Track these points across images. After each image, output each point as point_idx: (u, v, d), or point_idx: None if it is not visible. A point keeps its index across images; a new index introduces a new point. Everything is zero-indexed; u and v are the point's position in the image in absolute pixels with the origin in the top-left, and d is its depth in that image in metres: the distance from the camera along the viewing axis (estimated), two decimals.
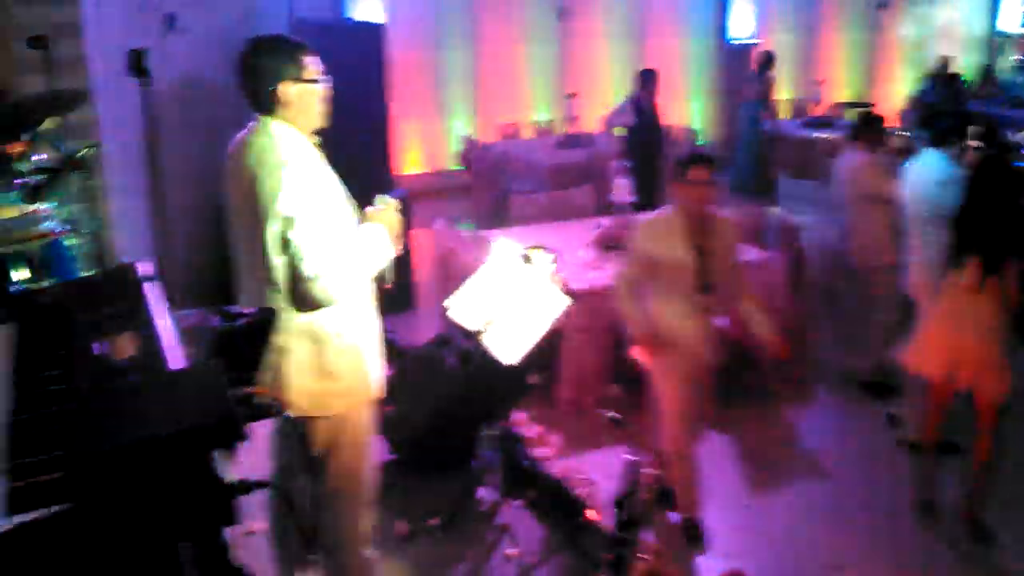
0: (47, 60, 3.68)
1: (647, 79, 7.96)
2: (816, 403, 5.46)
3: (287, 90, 2.73)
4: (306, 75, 2.76)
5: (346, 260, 2.71)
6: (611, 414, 3.40)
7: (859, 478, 4.53)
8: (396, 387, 4.28)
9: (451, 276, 5.66)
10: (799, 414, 5.30)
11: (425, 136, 10.49)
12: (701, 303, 3.75)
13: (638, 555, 3.08)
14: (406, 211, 3.17)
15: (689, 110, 11.67)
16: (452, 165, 10.22)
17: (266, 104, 2.75)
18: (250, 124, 2.83)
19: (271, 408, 1.65)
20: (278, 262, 2.68)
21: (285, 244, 2.64)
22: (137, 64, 2.31)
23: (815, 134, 9.83)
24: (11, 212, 2.93)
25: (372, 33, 7.33)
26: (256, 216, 2.67)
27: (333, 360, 2.82)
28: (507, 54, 10.61)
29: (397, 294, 3.04)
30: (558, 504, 3.95)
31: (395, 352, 5.19)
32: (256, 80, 2.73)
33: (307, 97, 2.77)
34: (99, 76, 5.74)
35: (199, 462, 1.49)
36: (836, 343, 5.70)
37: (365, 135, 6.29)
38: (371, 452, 3.04)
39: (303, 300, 2.69)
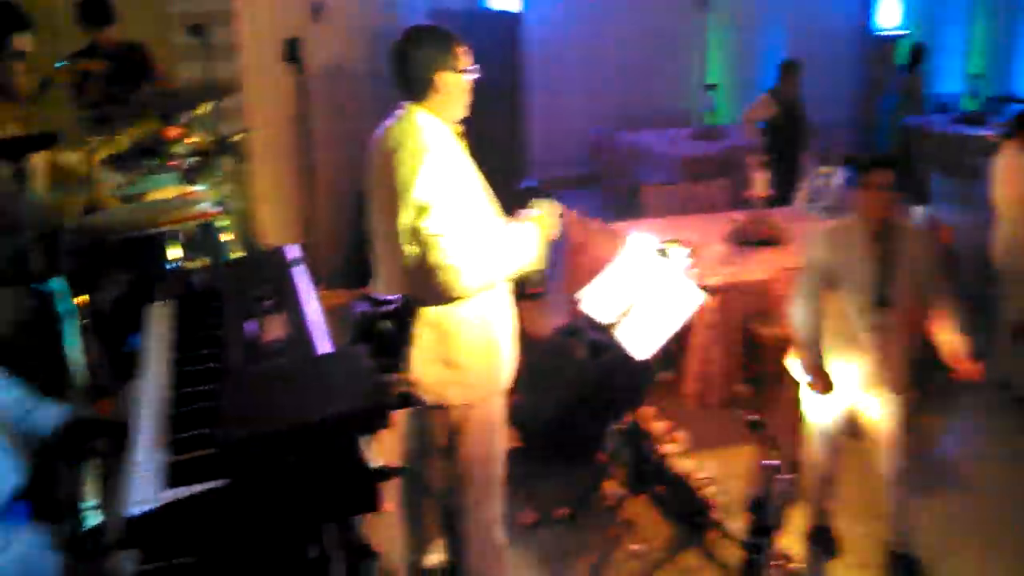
0: (206, 47, 3.81)
1: (789, 71, 7.70)
2: (963, 413, 5.19)
3: (441, 79, 2.76)
4: (460, 65, 2.78)
5: (483, 253, 2.71)
6: (749, 416, 3.30)
7: (1007, 494, 4.30)
8: (524, 376, 4.31)
9: (580, 266, 5.64)
10: (945, 425, 5.06)
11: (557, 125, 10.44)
12: (878, 318, 3.47)
13: (771, 562, 3.00)
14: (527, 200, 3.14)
15: (832, 103, 11.27)
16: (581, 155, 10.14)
17: (419, 92, 2.79)
18: (395, 112, 2.87)
19: (412, 397, 1.66)
20: (410, 250, 2.70)
21: (417, 232, 2.66)
22: (291, 52, 2.35)
23: (967, 131, 9.33)
24: (169, 193, 3.06)
25: (509, 21, 7.37)
26: (393, 203, 2.71)
27: (458, 351, 2.82)
28: (643, 42, 10.45)
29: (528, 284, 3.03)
30: (684, 502, 3.90)
31: (523, 341, 5.22)
32: (412, 68, 2.77)
33: (458, 87, 2.80)
34: (250, 63, 5.97)
35: (346, 447, 1.52)
36: (990, 352, 5.40)
37: (502, 124, 6.35)
38: (500, 441, 3.05)
39: (433, 290, 2.68)
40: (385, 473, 1.56)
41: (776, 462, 3.16)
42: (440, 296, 2.69)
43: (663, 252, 3.79)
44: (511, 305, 2.98)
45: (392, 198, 2.71)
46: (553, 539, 3.89)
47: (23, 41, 3.02)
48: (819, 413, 3.65)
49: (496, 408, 3.00)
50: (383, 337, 1.97)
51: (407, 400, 1.66)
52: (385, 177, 2.74)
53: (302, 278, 2.24)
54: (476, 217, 2.76)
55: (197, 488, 1.50)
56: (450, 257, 2.63)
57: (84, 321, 2.77)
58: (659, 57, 10.56)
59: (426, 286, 2.69)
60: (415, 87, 2.80)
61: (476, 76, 2.85)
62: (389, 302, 2.01)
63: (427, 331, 2.78)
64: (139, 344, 2.64)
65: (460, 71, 2.80)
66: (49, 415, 2.13)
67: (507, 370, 2.98)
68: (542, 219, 2.88)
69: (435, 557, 3.31)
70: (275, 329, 2.01)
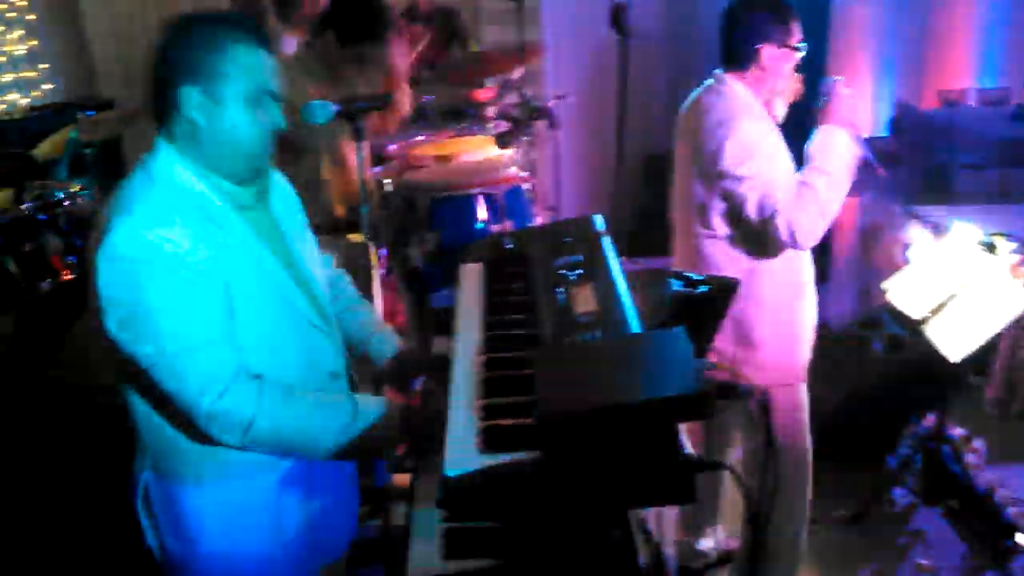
0: (518, 12, 3.88)
1: None
2: None
3: (767, 52, 2.65)
4: (791, 41, 2.65)
5: (806, 191, 2.57)
6: None
7: None
8: (812, 364, 4.09)
9: (874, 252, 5.29)
10: None
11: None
12: None
13: None
14: None
15: None
16: (880, 131, 9.45)
17: (741, 60, 2.68)
18: (707, 82, 2.78)
19: (737, 387, 1.58)
20: (723, 217, 2.64)
21: (732, 195, 2.60)
22: (617, 18, 2.31)
23: None
24: (479, 155, 3.14)
25: None
26: (698, 175, 2.64)
27: (757, 330, 2.72)
28: (959, 13, 9.53)
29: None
30: (985, 520, 3.56)
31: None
32: (740, 32, 2.67)
33: (782, 63, 2.68)
34: (550, 27, 6.03)
35: (666, 433, 1.46)
36: None
37: (806, 95, 6.02)
38: (804, 433, 2.91)
39: (765, 243, 2.63)
40: (704, 464, 1.50)
41: None
42: (775, 246, 2.63)
43: (990, 247, 3.44)
44: (812, 289, 2.83)
45: (697, 170, 2.64)
46: (831, 542, 3.68)
47: None
48: None
49: (799, 397, 2.86)
50: (694, 319, 1.89)
51: (731, 390, 1.58)
52: (692, 148, 2.69)
53: (610, 250, 2.20)
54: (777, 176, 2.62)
55: (512, 457, 1.49)
56: (772, 206, 2.54)
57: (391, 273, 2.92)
58: (975, 26, 9.60)
59: (756, 242, 2.64)
60: (736, 56, 2.69)
61: (802, 54, 2.69)
62: (704, 282, 1.93)
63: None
64: (446, 301, 2.75)
65: (790, 47, 2.66)
66: (383, 343, 2.24)
67: (806, 355, 2.84)
68: (839, 108, 2.66)
69: (709, 541, 3.24)
70: (584, 300, 1.98)
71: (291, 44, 3.83)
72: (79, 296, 3.48)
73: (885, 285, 3.45)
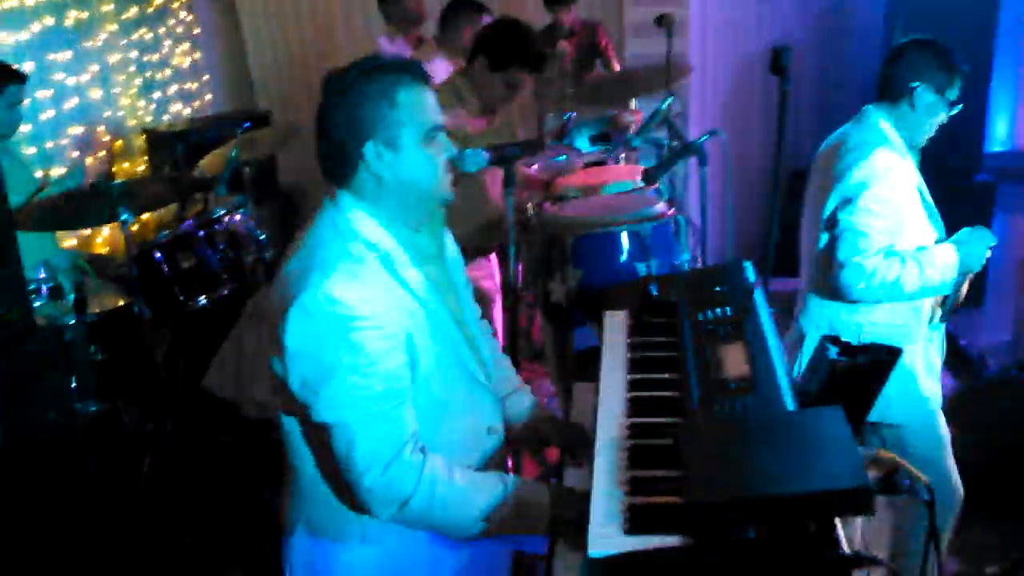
0: (667, 32, 3.83)
1: None
2: None
3: (922, 92, 2.65)
4: (947, 93, 2.65)
5: (893, 264, 2.56)
6: None
7: None
8: (965, 406, 3.87)
9: None
10: None
11: None
12: None
13: None
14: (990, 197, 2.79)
15: None
16: None
17: (893, 95, 2.69)
18: (856, 116, 2.75)
19: (898, 483, 1.49)
20: (822, 240, 2.65)
21: (834, 223, 2.61)
22: (778, 62, 2.23)
23: None
24: (624, 187, 3.09)
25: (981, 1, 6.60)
26: (823, 198, 2.65)
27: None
28: None
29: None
30: None
31: (965, 362, 4.72)
32: (901, 67, 2.69)
33: (931, 111, 2.68)
34: (697, 42, 5.92)
35: (823, 528, 1.40)
36: None
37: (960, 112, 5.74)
38: (950, 467, 2.83)
39: (830, 284, 2.65)
40: (860, 560, 1.43)
41: None
42: (835, 292, 2.64)
43: None
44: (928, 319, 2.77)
45: (824, 194, 2.65)
46: None
47: None
48: None
49: (937, 428, 2.81)
50: (856, 390, 1.81)
51: (894, 485, 1.49)
52: (823, 178, 2.64)
53: (763, 305, 2.13)
54: (900, 227, 2.62)
55: (659, 541, 1.46)
56: (858, 256, 2.55)
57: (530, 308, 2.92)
58: None
59: (826, 278, 2.65)
60: (890, 89, 2.70)
61: (950, 113, 2.69)
62: (864, 351, 1.84)
63: (817, 335, 2.60)
64: (588, 340, 2.73)
65: (945, 98, 2.65)
66: (520, 404, 2.23)
67: (931, 386, 2.78)
68: (972, 248, 2.67)
69: None
70: (735, 361, 1.92)
71: (442, 69, 3.89)
72: (233, 312, 3.63)
73: None
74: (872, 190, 2.55)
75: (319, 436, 1.82)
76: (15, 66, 3.69)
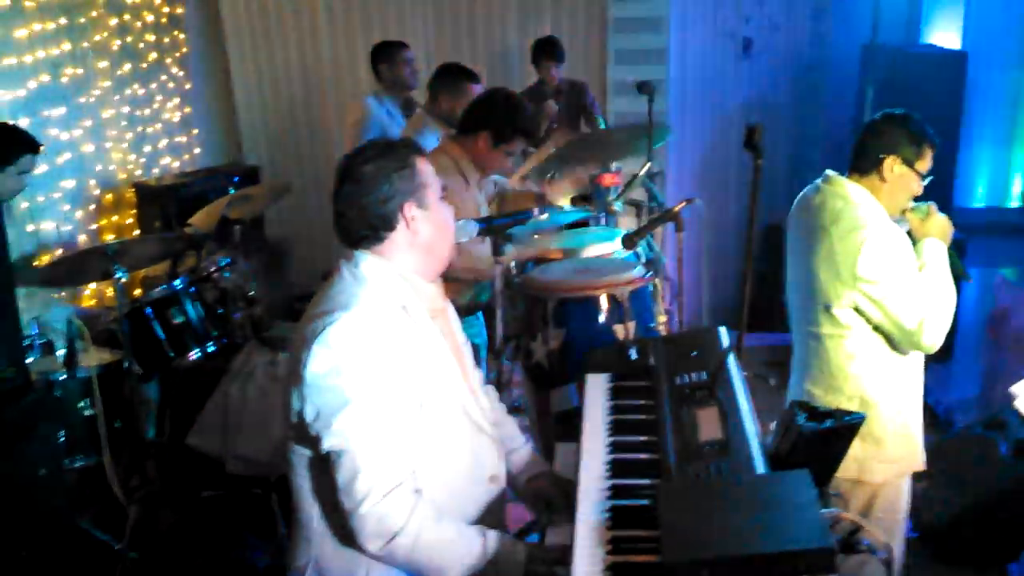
0: (649, 98, 3.98)
1: None
2: None
3: (892, 165, 2.73)
4: (918, 165, 2.74)
5: (933, 298, 2.67)
6: None
7: None
8: (934, 462, 3.97)
9: (1003, 337, 5.11)
10: None
11: (991, 167, 9.49)
12: None
13: None
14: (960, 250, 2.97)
15: None
16: (1019, 202, 9.11)
17: (863, 167, 2.77)
18: (819, 182, 2.83)
19: (859, 543, 1.58)
20: (875, 317, 2.68)
21: (875, 304, 2.66)
22: (751, 139, 2.36)
23: None
24: (605, 249, 3.21)
25: (951, 62, 6.86)
26: (819, 275, 2.69)
27: (881, 425, 2.74)
28: None
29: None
30: None
31: (936, 420, 4.83)
32: (872, 139, 2.77)
33: (904, 184, 2.76)
34: (676, 101, 6.11)
35: None
36: None
37: (935, 172, 5.92)
38: (903, 527, 2.92)
39: (909, 349, 2.72)
40: None
41: None
42: (917, 347, 2.71)
43: None
44: (921, 373, 2.86)
45: (819, 271, 2.70)
46: None
47: None
48: None
49: (905, 488, 2.89)
50: (822, 453, 1.91)
51: (855, 545, 1.59)
52: (818, 246, 2.71)
53: (735, 370, 2.23)
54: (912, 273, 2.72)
55: None
56: (916, 315, 2.63)
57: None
58: None
59: (902, 346, 2.72)
60: (862, 160, 2.78)
61: (926, 183, 2.78)
62: (831, 415, 1.94)
63: (849, 405, 2.70)
64: (569, 399, 2.82)
65: (915, 170, 2.74)
66: (524, 460, 2.40)
67: (920, 446, 2.88)
68: (931, 225, 2.80)
69: None
70: (709, 425, 2.02)
71: (432, 140, 4.04)
72: (221, 368, 3.69)
73: (1015, 389, 3.36)
74: (884, 265, 2.64)
75: (325, 468, 1.96)
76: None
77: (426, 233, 2.09)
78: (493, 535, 2.01)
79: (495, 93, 3.62)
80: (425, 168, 2.11)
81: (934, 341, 2.67)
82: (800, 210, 2.89)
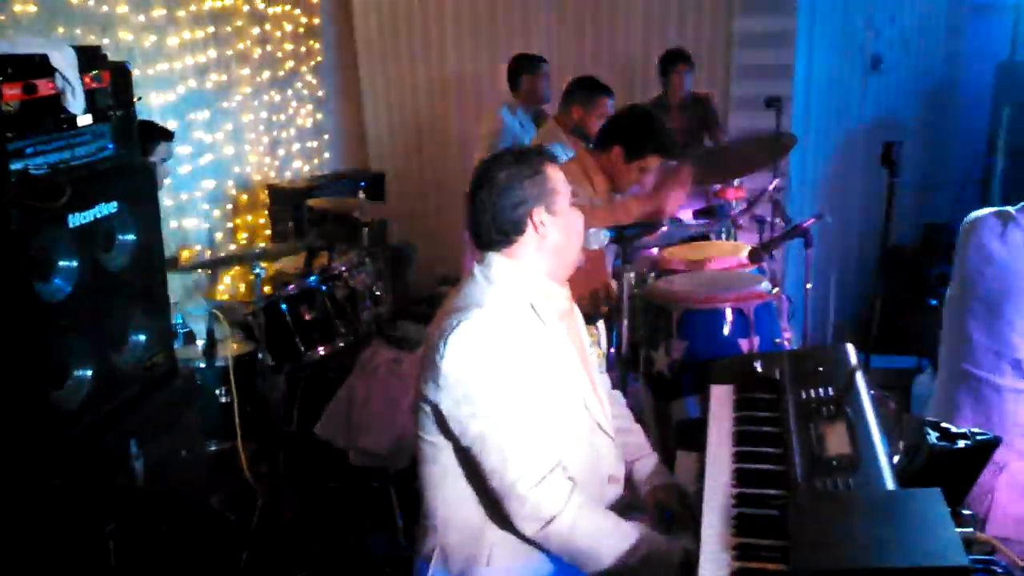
0: (776, 114, 3.97)
1: None
2: None
3: None
4: None
5: None
6: None
7: None
8: None
9: None
10: None
11: None
12: None
13: None
14: None
15: None
16: None
17: None
18: (1011, 209, 2.64)
19: (994, 564, 1.56)
20: None
21: None
22: (888, 156, 2.35)
23: None
24: (733, 261, 3.21)
25: None
26: (998, 319, 2.55)
27: None
28: None
29: None
30: None
31: None
32: None
33: None
34: (800, 117, 6.02)
35: None
36: None
37: None
38: None
39: None
40: None
41: None
42: None
43: None
44: None
45: (985, 296, 2.57)
46: None
47: None
48: None
49: None
50: (954, 474, 1.89)
51: (990, 565, 1.57)
52: (1000, 291, 2.54)
53: (864, 387, 2.22)
54: None
55: None
56: None
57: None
58: None
59: None
60: None
61: None
62: (964, 437, 1.92)
63: (1013, 455, 2.52)
64: (689, 411, 2.84)
65: None
66: (648, 470, 2.45)
67: None
68: None
69: None
70: (837, 440, 2.02)
71: (560, 149, 4.12)
72: (347, 364, 3.84)
73: None
74: None
75: (464, 457, 2.06)
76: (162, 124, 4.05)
77: (554, 238, 2.17)
78: (650, 533, 2.08)
79: (633, 109, 3.68)
80: (555, 175, 2.19)
81: None
82: (975, 238, 2.64)
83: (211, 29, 5.26)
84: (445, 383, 2.03)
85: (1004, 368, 2.55)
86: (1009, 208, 2.62)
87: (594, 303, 3.46)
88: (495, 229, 2.16)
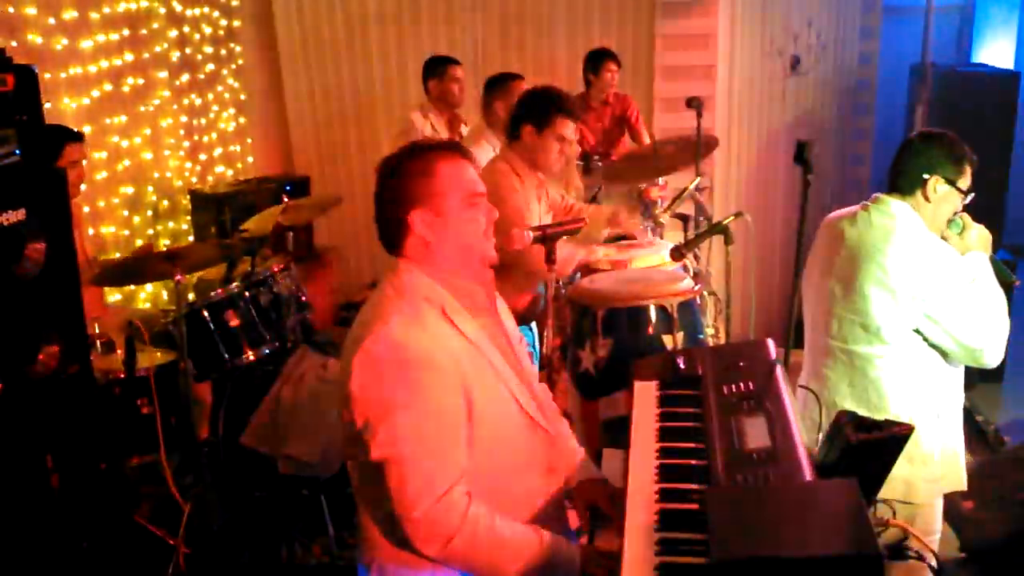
0: (697, 113, 4.03)
1: None
2: None
3: (936, 185, 2.72)
4: (960, 183, 2.73)
5: (989, 311, 2.69)
6: None
7: None
8: (983, 482, 3.95)
9: None
10: None
11: None
12: None
13: None
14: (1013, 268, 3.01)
15: None
16: None
17: (906, 187, 2.76)
18: (855, 207, 2.82)
19: (906, 550, 1.61)
20: (934, 336, 2.68)
21: (934, 323, 2.66)
22: (801, 154, 2.40)
23: None
24: (654, 260, 3.25)
25: (1003, 81, 6.78)
26: (868, 295, 2.68)
27: (928, 444, 2.72)
28: None
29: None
30: None
31: (986, 441, 4.80)
32: (912, 160, 2.77)
33: (946, 202, 2.76)
34: (725, 117, 6.13)
35: None
36: None
37: (985, 194, 5.85)
38: (936, 547, 2.90)
39: (972, 364, 2.74)
40: None
41: None
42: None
43: None
44: (961, 388, 2.86)
45: (854, 288, 2.70)
46: None
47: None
48: None
49: (940, 509, 2.88)
50: (869, 464, 1.93)
51: (902, 551, 1.61)
52: (846, 268, 2.71)
53: (783, 381, 2.26)
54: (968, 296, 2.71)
55: None
56: (975, 334, 2.65)
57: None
58: None
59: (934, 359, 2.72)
60: (903, 180, 2.77)
61: (968, 201, 2.77)
62: (880, 427, 1.97)
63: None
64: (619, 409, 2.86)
65: (957, 188, 2.73)
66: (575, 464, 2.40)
67: (962, 465, 2.87)
68: (971, 238, 2.82)
69: None
70: (756, 434, 2.05)
71: (490, 152, 4.13)
72: (273, 371, 3.78)
73: None
74: (936, 283, 2.65)
75: (374, 476, 1.98)
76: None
77: (441, 239, 2.09)
78: (548, 535, 2.04)
79: (526, 90, 3.73)
80: (450, 173, 2.10)
81: (995, 353, 2.69)
82: (832, 228, 2.88)
83: (126, 32, 5.13)
84: (355, 405, 1.98)
85: (862, 336, 2.74)
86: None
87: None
88: (385, 233, 2.12)
